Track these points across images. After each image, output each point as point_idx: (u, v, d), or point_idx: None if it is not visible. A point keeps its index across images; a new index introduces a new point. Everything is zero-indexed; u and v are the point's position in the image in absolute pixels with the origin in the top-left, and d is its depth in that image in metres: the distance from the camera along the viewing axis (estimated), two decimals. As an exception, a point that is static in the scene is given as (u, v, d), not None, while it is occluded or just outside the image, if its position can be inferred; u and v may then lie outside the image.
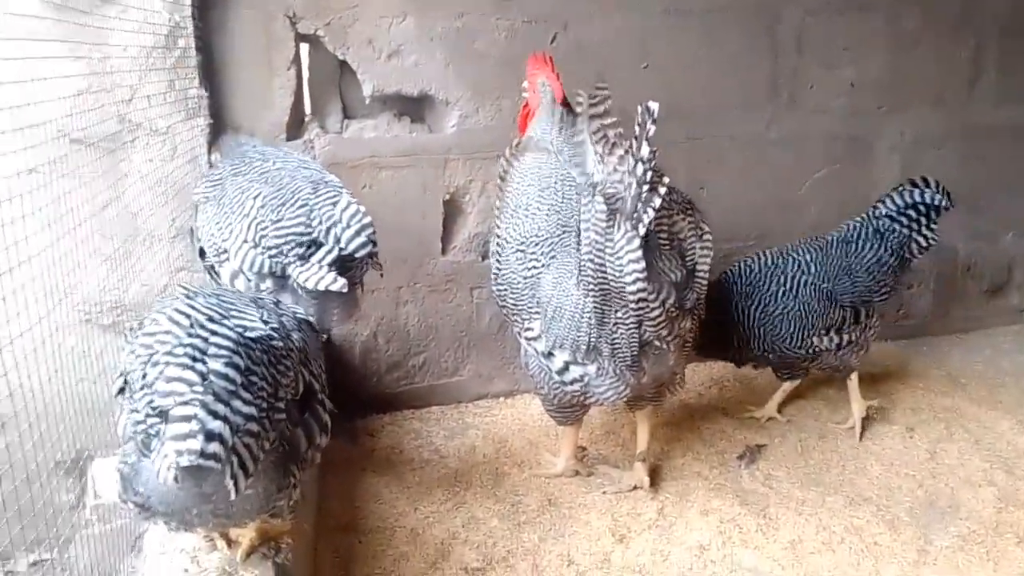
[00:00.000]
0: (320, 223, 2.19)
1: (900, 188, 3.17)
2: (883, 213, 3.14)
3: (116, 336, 2.53)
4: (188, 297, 1.62)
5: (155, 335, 1.52)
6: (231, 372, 1.45)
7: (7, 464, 1.62)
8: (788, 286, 2.98)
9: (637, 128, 2.14)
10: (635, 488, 2.78)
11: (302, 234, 2.19)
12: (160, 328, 1.52)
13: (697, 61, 3.40)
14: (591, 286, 2.27)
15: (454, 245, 3.32)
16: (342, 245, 2.17)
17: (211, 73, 2.81)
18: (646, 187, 2.14)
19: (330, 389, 1.87)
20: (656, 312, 2.28)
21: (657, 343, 2.37)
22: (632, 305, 2.25)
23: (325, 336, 2.89)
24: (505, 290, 2.60)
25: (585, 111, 2.22)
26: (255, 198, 2.27)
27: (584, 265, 2.26)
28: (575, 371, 2.46)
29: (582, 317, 2.35)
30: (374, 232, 2.20)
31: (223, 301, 1.65)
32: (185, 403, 1.39)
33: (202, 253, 2.37)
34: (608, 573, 2.42)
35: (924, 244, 3.13)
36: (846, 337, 3.02)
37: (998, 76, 3.85)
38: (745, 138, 3.58)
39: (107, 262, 2.44)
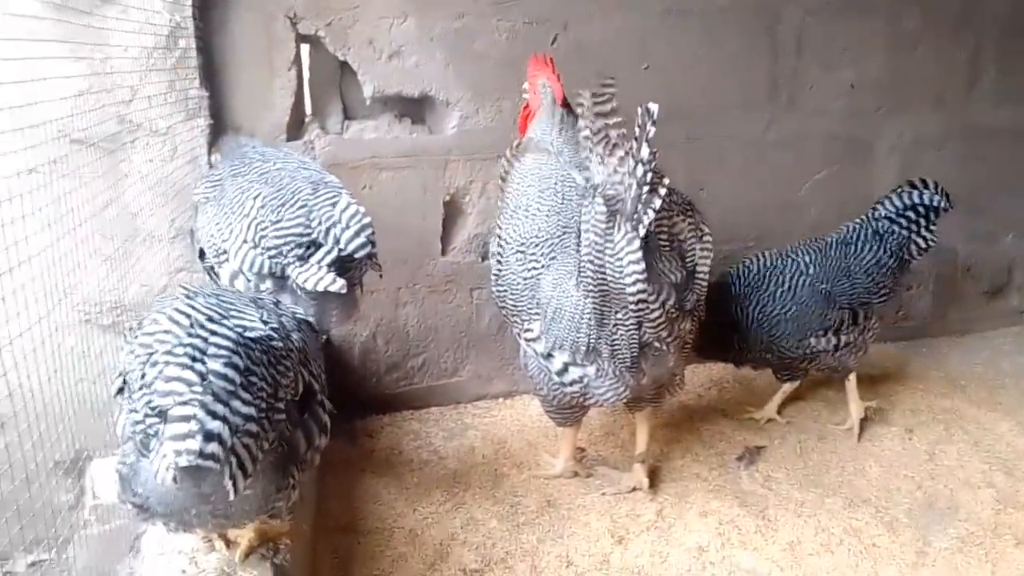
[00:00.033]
0: (319, 224, 2.19)
1: (899, 189, 3.18)
2: (882, 215, 3.15)
3: (116, 336, 2.53)
4: (188, 297, 1.61)
5: (154, 335, 1.52)
6: (230, 372, 1.45)
7: (6, 464, 1.62)
8: (787, 287, 2.98)
9: (637, 129, 2.14)
10: (634, 489, 2.78)
11: (301, 235, 2.19)
12: (159, 328, 1.52)
13: (697, 62, 3.40)
14: (591, 287, 2.27)
15: (454, 246, 3.32)
16: (341, 246, 2.17)
17: (212, 73, 2.81)
18: (646, 188, 2.14)
19: (329, 390, 1.87)
20: (656, 313, 2.28)
21: (657, 344, 2.37)
22: (632, 306, 2.25)
23: (324, 337, 2.90)
24: (505, 291, 2.60)
25: (588, 110, 2.22)
26: (255, 199, 2.27)
27: (584, 266, 2.26)
28: (574, 372, 2.45)
29: (582, 318, 2.35)
30: (373, 233, 2.20)
31: (223, 301, 1.65)
32: (184, 403, 1.39)
33: (202, 254, 2.37)
34: (607, 574, 2.42)
35: (923, 245, 3.13)
36: (844, 339, 3.02)
37: (997, 77, 3.86)
38: (745, 139, 3.58)
39: (107, 262, 2.44)
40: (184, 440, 1.34)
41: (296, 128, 3.03)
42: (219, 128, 2.84)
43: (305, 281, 2.15)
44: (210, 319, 1.55)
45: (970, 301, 4.17)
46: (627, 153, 2.16)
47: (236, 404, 1.43)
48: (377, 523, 2.62)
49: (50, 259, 1.88)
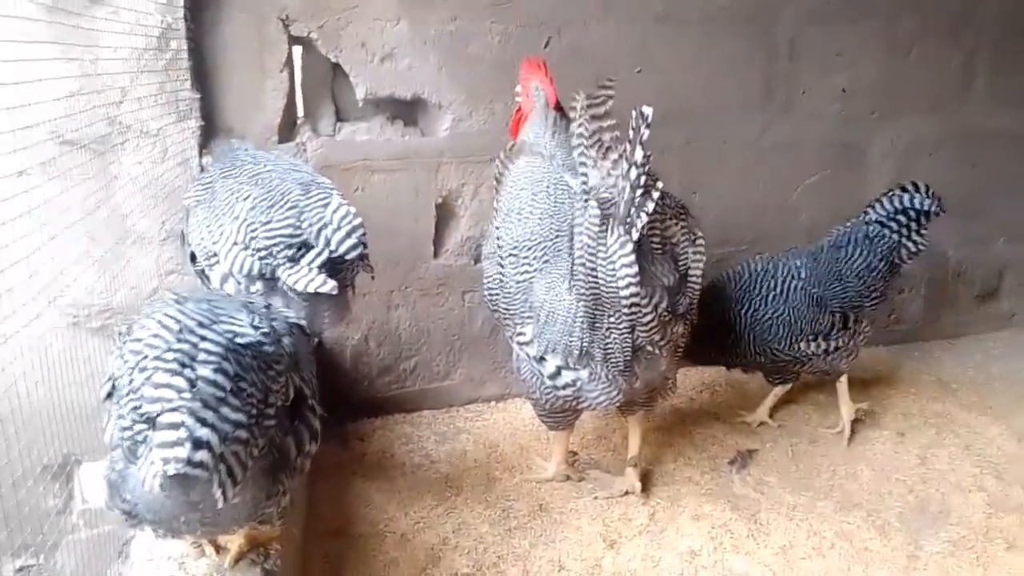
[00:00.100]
0: (310, 225, 2.18)
1: (890, 193, 3.18)
2: (873, 218, 3.16)
3: (105, 339, 2.51)
4: (177, 302, 1.60)
5: (143, 340, 1.50)
6: (220, 379, 1.44)
7: (-6, 469, 1.61)
8: (778, 291, 2.98)
9: (631, 132, 2.14)
10: (626, 493, 2.77)
11: (292, 236, 2.18)
12: (149, 333, 1.51)
13: (691, 66, 3.40)
14: (584, 291, 2.27)
15: (446, 249, 3.31)
16: (332, 247, 2.16)
17: (203, 75, 2.79)
18: (639, 192, 2.14)
19: (321, 393, 1.86)
20: (649, 317, 2.28)
21: (650, 348, 2.37)
22: (625, 310, 2.25)
23: (316, 340, 2.88)
24: (497, 294, 2.59)
25: (582, 112, 2.21)
26: (245, 200, 2.25)
27: (576, 270, 2.26)
28: (567, 376, 2.45)
29: (575, 322, 2.35)
30: (365, 234, 2.19)
31: (213, 306, 1.63)
32: (173, 410, 1.37)
33: (193, 258, 2.35)
34: (599, 579, 2.41)
35: (913, 249, 3.14)
36: (835, 342, 3.02)
37: (991, 82, 3.87)
38: (739, 143, 3.59)
39: (96, 265, 2.42)
40: (172, 448, 1.33)
41: (288, 130, 3.02)
42: (210, 129, 2.82)
43: (296, 283, 2.14)
44: (200, 324, 1.53)
45: (962, 305, 4.18)
46: (620, 156, 2.16)
47: (225, 411, 1.42)
48: (368, 527, 2.61)
49: (39, 262, 1.86)
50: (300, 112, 3.12)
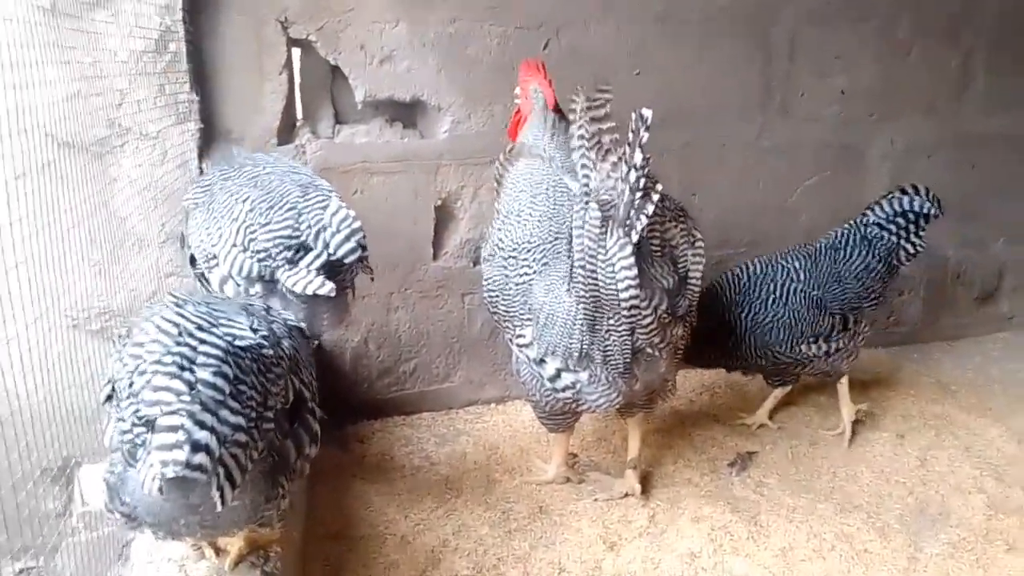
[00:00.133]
0: (309, 227, 2.18)
1: (889, 195, 3.19)
2: (871, 220, 3.16)
3: (104, 342, 2.51)
4: (177, 305, 1.60)
5: (143, 344, 1.50)
6: (219, 381, 1.44)
7: (-7, 472, 1.60)
8: (778, 294, 2.98)
9: (630, 135, 2.14)
10: (626, 495, 2.77)
11: (290, 237, 2.18)
12: (148, 337, 1.51)
13: (690, 68, 3.40)
14: (583, 293, 2.27)
15: (445, 251, 3.31)
16: (331, 250, 2.16)
17: (202, 77, 2.80)
18: (639, 194, 2.14)
19: (320, 395, 1.86)
20: (648, 319, 2.28)
21: (649, 350, 2.37)
22: (624, 312, 2.25)
23: (316, 342, 2.88)
24: (497, 296, 2.59)
25: (581, 114, 2.22)
26: (244, 202, 2.25)
27: (576, 272, 2.26)
28: (567, 378, 2.45)
29: (574, 324, 2.35)
30: (364, 237, 2.20)
31: (212, 309, 1.63)
32: (172, 413, 1.37)
33: (192, 261, 2.35)
34: (599, 581, 2.41)
35: (912, 251, 3.14)
36: (834, 345, 3.03)
37: (988, 84, 3.87)
38: (737, 145, 3.59)
39: (96, 267, 2.42)
40: (171, 451, 1.33)
41: (287, 132, 3.02)
42: (210, 132, 2.83)
43: (294, 285, 2.14)
44: (199, 327, 1.53)
45: (961, 307, 4.18)
46: (620, 159, 2.16)
47: (225, 414, 1.41)
48: (368, 530, 2.61)
49: (39, 264, 1.86)
50: (299, 114, 3.12)
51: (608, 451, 3.11)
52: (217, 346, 1.50)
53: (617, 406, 2.51)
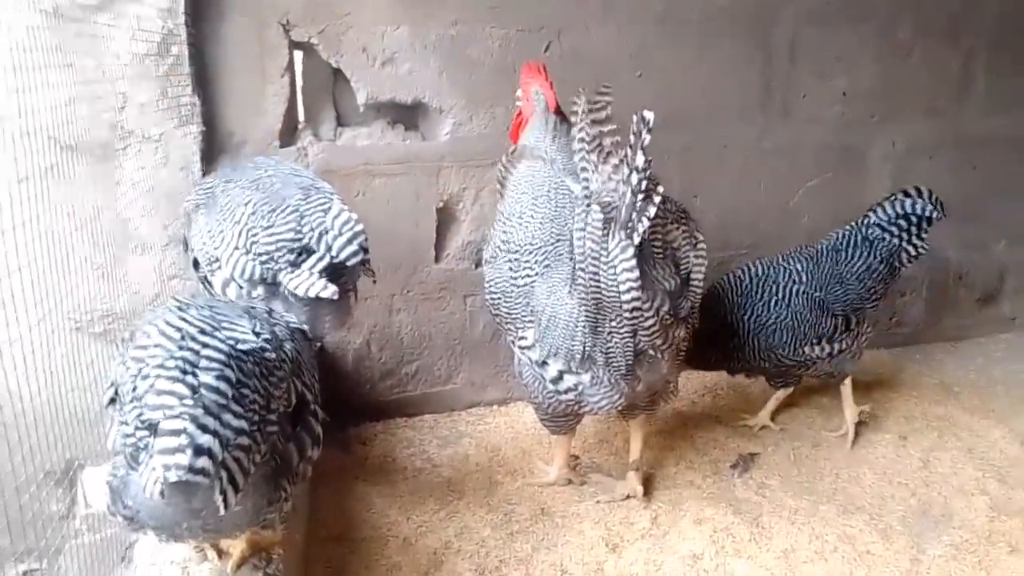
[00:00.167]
0: (311, 230, 2.19)
1: (892, 197, 3.18)
2: (873, 222, 3.15)
3: (107, 345, 2.52)
4: (180, 309, 1.60)
5: (146, 348, 1.50)
6: (222, 385, 1.44)
7: (-3, 474, 1.61)
8: (780, 296, 2.98)
9: (632, 137, 2.14)
10: (628, 497, 2.77)
11: (293, 240, 2.18)
12: (151, 341, 1.51)
13: (690, 70, 3.41)
14: (585, 295, 2.27)
15: (447, 253, 3.31)
16: (333, 253, 2.17)
17: (204, 80, 2.80)
18: (641, 196, 2.14)
19: (323, 397, 1.86)
20: (650, 321, 2.28)
21: (651, 352, 2.37)
22: (626, 314, 2.25)
23: (318, 344, 2.89)
24: (499, 298, 2.60)
25: (583, 117, 2.22)
26: (246, 205, 2.26)
27: (578, 274, 2.26)
28: (569, 380, 2.45)
29: (576, 326, 2.35)
30: (366, 240, 2.20)
31: (215, 313, 1.63)
32: (175, 416, 1.37)
33: (196, 264, 2.36)
34: (601, 583, 2.41)
35: (914, 253, 3.14)
36: (837, 346, 3.03)
37: (989, 85, 3.87)
38: (739, 147, 3.59)
39: (98, 270, 2.43)
40: (174, 454, 1.33)
41: (289, 135, 3.03)
42: (212, 135, 2.83)
43: (296, 287, 2.15)
44: (202, 331, 1.54)
45: (963, 308, 4.18)
46: (622, 161, 2.16)
47: (227, 417, 1.41)
48: (371, 532, 2.61)
49: (42, 267, 1.87)
50: (301, 117, 3.12)
51: (610, 453, 3.11)
52: (220, 350, 1.50)
53: (619, 408, 2.50)
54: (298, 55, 3.03)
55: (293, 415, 1.69)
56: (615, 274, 2.19)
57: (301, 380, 1.73)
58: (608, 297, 2.23)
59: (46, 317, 1.88)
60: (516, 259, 2.54)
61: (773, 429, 3.28)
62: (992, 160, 3.97)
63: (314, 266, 2.17)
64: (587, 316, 2.30)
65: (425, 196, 3.21)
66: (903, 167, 3.80)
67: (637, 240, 2.16)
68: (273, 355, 1.63)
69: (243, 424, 1.45)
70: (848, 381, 3.18)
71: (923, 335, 4.12)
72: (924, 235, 3.13)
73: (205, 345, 1.51)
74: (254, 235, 2.20)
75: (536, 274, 2.50)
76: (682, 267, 2.45)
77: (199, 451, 1.35)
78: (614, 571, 2.45)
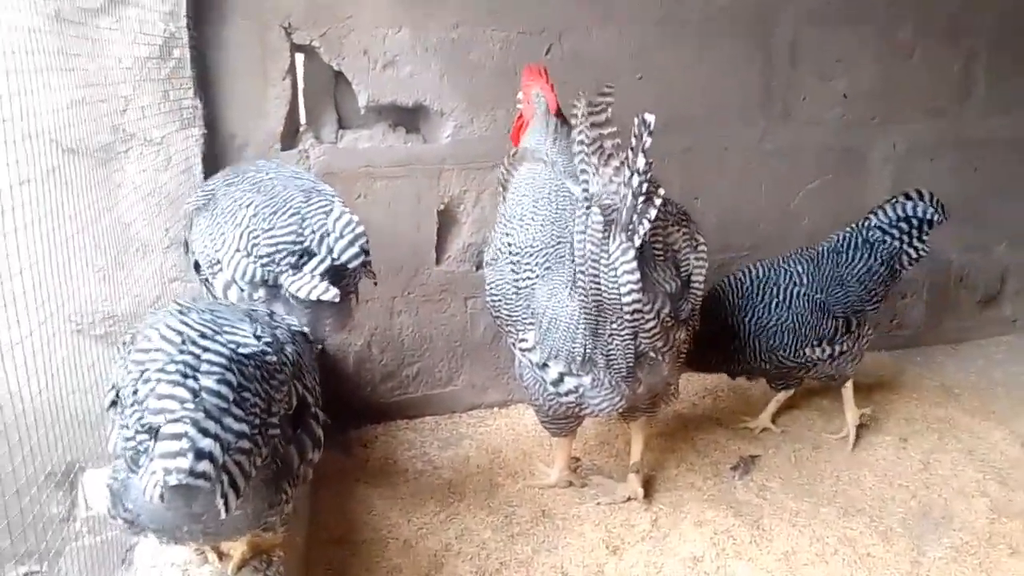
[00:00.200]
0: (313, 232, 2.19)
1: (893, 200, 3.18)
2: (874, 224, 3.15)
3: (108, 347, 2.52)
4: (181, 313, 1.61)
5: (147, 352, 1.51)
6: (223, 389, 1.44)
7: (-2, 476, 1.61)
8: (781, 297, 2.98)
9: (633, 139, 2.15)
10: (629, 499, 2.77)
11: (294, 242, 2.19)
12: (152, 345, 1.51)
13: (692, 72, 3.41)
14: (585, 297, 2.27)
15: (448, 255, 3.32)
16: (335, 255, 2.17)
17: (206, 83, 2.81)
18: (642, 199, 2.14)
19: (324, 399, 1.86)
20: (651, 323, 2.28)
21: (652, 354, 2.37)
22: (627, 316, 2.25)
23: (319, 346, 2.89)
24: (499, 301, 2.60)
25: (583, 119, 2.22)
26: (247, 207, 2.26)
27: (578, 276, 2.26)
28: (570, 382, 2.45)
29: (577, 328, 2.35)
30: (367, 242, 2.21)
31: (216, 317, 1.64)
32: (176, 420, 1.38)
33: (197, 267, 2.36)
34: (602, 585, 2.42)
35: (915, 256, 3.14)
36: (838, 348, 3.02)
37: (989, 87, 3.87)
38: (739, 149, 3.59)
39: (100, 273, 2.43)
40: (175, 458, 1.33)
41: (291, 137, 3.03)
42: (213, 137, 2.84)
43: (298, 290, 2.15)
44: (203, 335, 1.54)
45: (964, 310, 4.18)
46: (623, 163, 2.17)
47: (229, 421, 1.42)
48: (371, 534, 2.61)
49: (43, 270, 1.87)
50: (303, 120, 3.13)
51: (611, 455, 3.11)
52: (221, 353, 1.51)
53: (620, 410, 2.51)
54: (300, 58, 3.04)
55: (294, 418, 1.69)
56: (616, 276, 2.19)
57: (302, 383, 1.73)
58: (609, 299, 2.24)
59: (48, 319, 1.88)
60: (517, 261, 2.55)
61: (774, 431, 3.28)
62: (993, 161, 3.97)
63: (315, 268, 2.17)
64: (588, 318, 2.30)
65: (426, 198, 3.21)
66: (904, 168, 3.81)
67: (638, 242, 2.16)
68: (274, 358, 1.63)
69: (244, 428, 1.45)
70: (849, 384, 3.18)
71: (924, 337, 4.12)
72: (925, 238, 3.13)
73: (206, 349, 1.51)
74: (255, 237, 2.21)
75: (537, 276, 2.51)
76: (683, 269, 2.45)
77: (200, 455, 1.35)
78: (615, 573, 2.45)
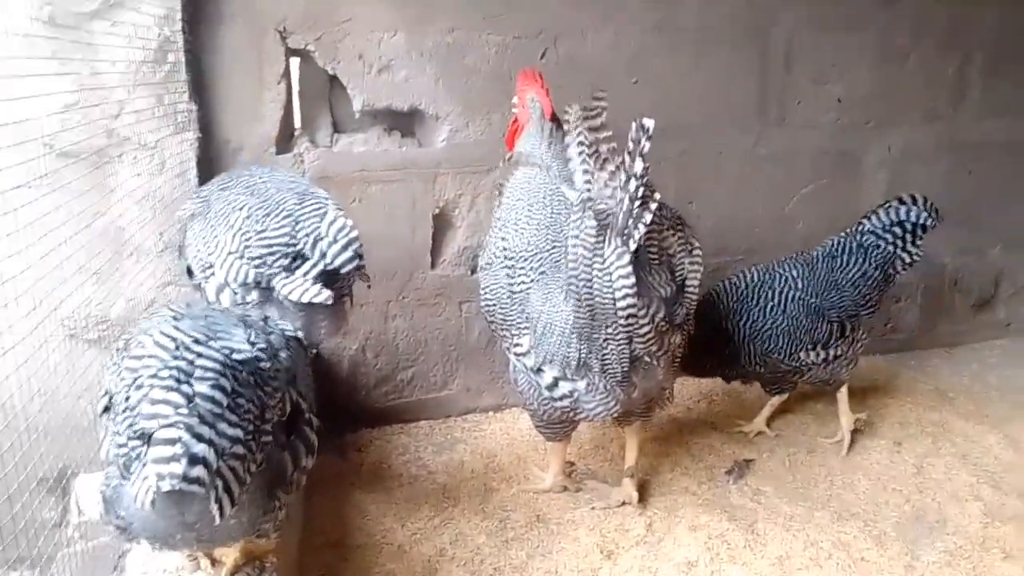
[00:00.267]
0: (306, 235, 2.19)
1: (887, 204, 3.19)
2: (868, 229, 3.16)
3: (101, 351, 2.51)
4: (174, 319, 1.60)
5: (140, 358, 1.50)
6: (217, 395, 1.44)
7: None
8: (776, 301, 2.99)
9: (631, 144, 2.15)
10: (623, 504, 2.77)
11: (286, 244, 2.18)
12: (145, 351, 1.51)
13: (687, 77, 3.41)
14: (579, 302, 2.27)
15: (443, 259, 3.32)
16: (328, 260, 2.17)
17: (201, 87, 2.80)
18: (637, 203, 2.14)
19: (319, 403, 1.86)
20: (646, 328, 2.29)
21: (647, 359, 2.37)
22: (622, 321, 2.25)
23: (314, 351, 2.88)
24: (494, 305, 2.60)
25: (575, 123, 2.22)
26: (241, 209, 2.26)
27: (571, 281, 2.26)
28: (565, 387, 2.45)
29: (572, 333, 2.35)
30: (361, 247, 2.20)
31: (210, 322, 1.63)
32: (169, 425, 1.37)
33: (190, 272, 2.36)
34: (596, 590, 2.41)
35: (908, 261, 3.14)
36: (833, 352, 3.03)
37: (984, 90, 3.88)
38: (734, 153, 3.60)
39: (94, 277, 2.43)
40: (168, 463, 1.33)
41: (285, 141, 3.03)
42: (208, 141, 2.83)
43: (290, 292, 2.15)
44: (196, 341, 1.53)
45: (958, 314, 4.19)
46: (618, 168, 2.17)
47: (223, 427, 1.41)
48: (365, 539, 2.61)
49: (37, 274, 1.86)
50: (298, 124, 3.12)
51: (605, 459, 3.11)
52: (214, 359, 1.50)
53: (615, 415, 2.50)
54: (295, 62, 3.03)
55: (287, 424, 1.69)
56: (611, 280, 2.19)
57: (296, 389, 1.73)
58: (603, 304, 2.24)
59: (41, 323, 1.87)
60: (512, 266, 2.55)
61: (768, 435, 3.28)
62: (987, 165, 3.98)
63: (308, 272, 2.17)
64: (582, 323, 2.30)
65: (421, 202, 3.21)
66: (898, 172, 3.81)
67: (633, 247, 2.16)
68: (268, 364, 1.63)
69: (238, 433, 1.44)
70: (844, 389, 3.18)
71: (918, 341, 4.13)
72: (919, 242, 3.14)
73: (200, 355, 1.51)
74: (247, 239, 2.20)
75: (532, 281, 2.50)
76: (677, 273, 2.46)
77: (194, 460, 1.35)
78: (609, 578, 2.45)
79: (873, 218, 3.18)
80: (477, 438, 3.30)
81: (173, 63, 2.65)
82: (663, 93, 3.37)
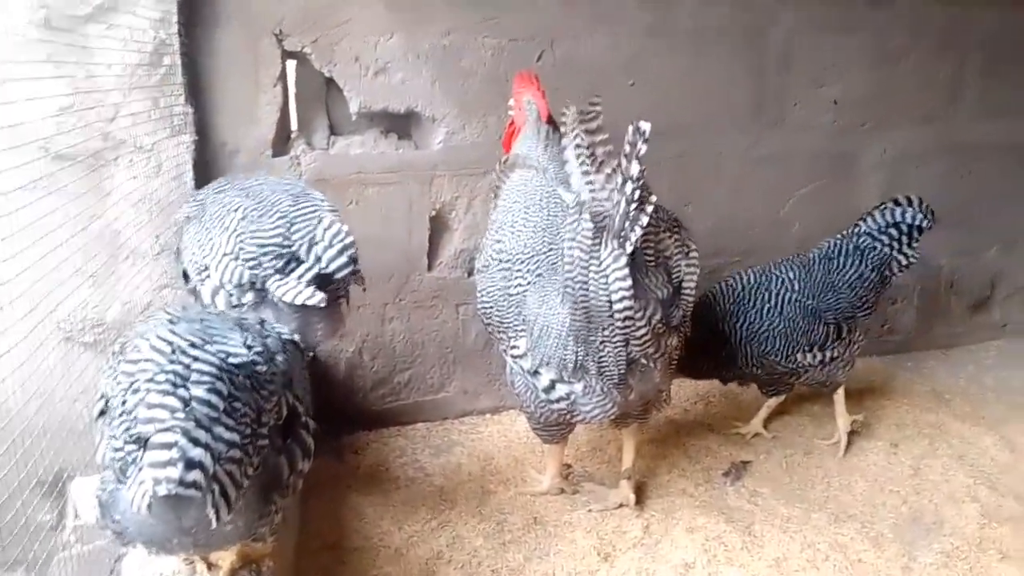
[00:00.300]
0: (301, 239, 2.19)
1: (882, 206, 3.20)
2: (864, 231, 3.17)
3: (98, 355, 2.51)
4: (171, 323, 1.60)
5: (136, 363, 1.50)
6: (214, 398, 1.43)
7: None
8: (773, 303, 2.99)
9: (627, 147, 2.14)
10: (621, 506, 2.77)
11: (280, 245, 2.18)
12: (141, 355, 1.51)
13: (683, 79, 3.42)
14: (575, 304, 2.27)
15: (440, 261, 3.31)
16: (323, 264, 2.17)
17: (197, 90, 2.80)
18: (634, 205, 2.15)
19: (316, 406, 1.86)
20: (643, 330, 2.29)
21: (644, 361, 2.37)
22: (619, 323, 2.25)
23: (311, 353, 2.88)
24: (491, 307, 2.60)
25: (572, 127, 2.22)
26: (236, 211, 2.26)
27: (567, 283, 2.26)
28: (561, 389, 2.45)
29: (568, 335, 2.35)
30: (356, 252, 2.20)
31: (206, 326, 1.63)
32: (166, 429, 1.37)
33: (185, 276, 2.36)
34: (593, 593, 2.41)
35: (904, 262, 3.15)
36: (829, 354, 3.03)
37: (980, 92, 3.89)
38: (731, 155, 3.60)
39: (90, 280, 2.42)
40: (164, 468, 1.32)
41: (282, 144, 3.02)
42: (204, 144, 2.82)
43: (284, 294, 2.15)
44: (192, 345, 1.53)
45: (954, 315, 4.20)
46: (615, 170, 2.17)
47: (219, 430, 1.41)
48: (362, 541, 2.60)
49: (33, 277, 1.86)
50: (294, 126, 3.13)
51: (602, 461, 3.11)
52: (211, 363, 1.50)
53: (612, 417, 2.50)
54: (291, 64, 3.03)
55: (284, 427, 1.69)
56: (607, 283, 2.19)
57: (292, 392, 1.72)
58: (599, 306, 2.24)
59: (37, 326, 1.87)
60: (508, 268, 2.55)
61: (765, 437, 3.28)
62: (983, 167, 3.99)
63: (302, 275, 2.17)
64: (579, 325, 2.30)
65: (418, 205, 3.21)
66: (894, 174, 3.82)
67: (629, 249, 2.16)
68: (264, 368, 1.62)
69: (235, 437, 1.44)
70: (841, 391, 3.19)
71: (914, 343, 4.13)
72: (915, 244, 3.15)
73: (196, 359, 1.50)
74: (241, 239, 2.20)
75: (528, 283, 2.50)
76: (674, 276, 2.46)
77: (190, 464, 1.35)
78: (606, 580, 2.45)
79: (869, 220, 3.18)
80: (474, 440, 3.30)
81: (169, 66, 2.64)
82: (660, 95, 3.37)
